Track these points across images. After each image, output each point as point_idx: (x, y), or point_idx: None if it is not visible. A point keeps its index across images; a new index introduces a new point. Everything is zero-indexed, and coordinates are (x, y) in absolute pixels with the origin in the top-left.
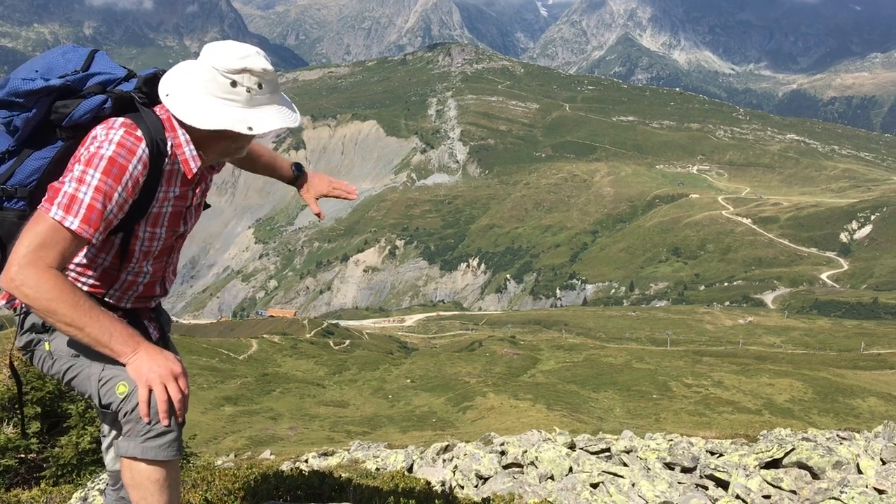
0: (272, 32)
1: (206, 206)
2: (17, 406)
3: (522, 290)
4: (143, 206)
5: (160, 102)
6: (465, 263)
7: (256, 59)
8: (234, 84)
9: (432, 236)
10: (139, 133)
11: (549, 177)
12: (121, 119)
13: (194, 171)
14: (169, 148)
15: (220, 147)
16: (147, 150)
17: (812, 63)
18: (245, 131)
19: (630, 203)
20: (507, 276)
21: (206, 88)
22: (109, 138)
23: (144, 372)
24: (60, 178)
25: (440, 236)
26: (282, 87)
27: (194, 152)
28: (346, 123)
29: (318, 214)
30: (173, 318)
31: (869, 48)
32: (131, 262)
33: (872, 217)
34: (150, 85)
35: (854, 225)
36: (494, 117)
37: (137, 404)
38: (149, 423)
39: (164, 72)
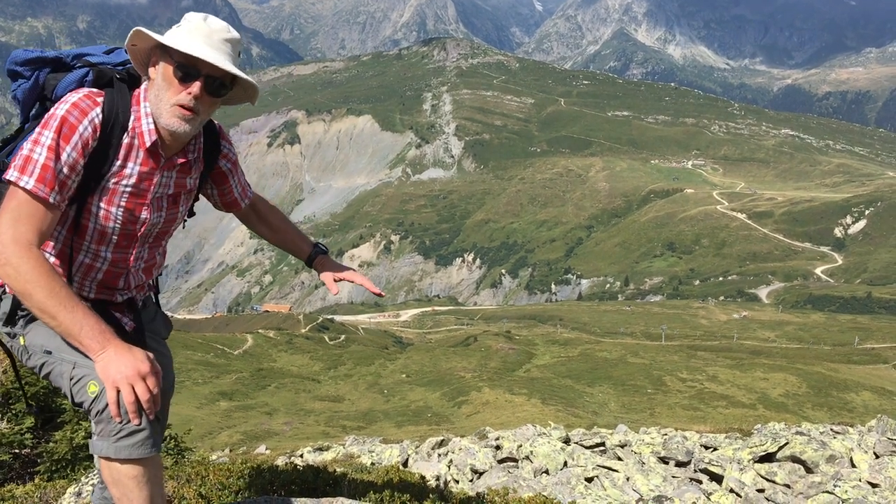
0: (266, 27)
1: (191, 213)
2: (10, 400)
3: (517, 285)
4: (95, 176)
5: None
6: (461, 258)
7: (236, 33)
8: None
9: (427, 231)
10: (99, 99)
11: (544, 172)
12: (91, 88)
13: (147, 143)
14: (131, 122)
15: (170, 94)
16: (100, 115)
17: (807, 58)
18: (194, 52)
19: (625, 198)
20: (503, 270)
21: (198, 33)
22: (67, 100)
23: (111, 373)
24: (21, 146)
25: (435, 231)
26: (276, 82)
27: (151, 126)
28: (340, 118)
29: (336, 293)
30: (167, 313)
31: (864, 43)
32: (84, 240)
33: (867, 212)
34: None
35: (848, 220)
36: (489, 112)
37: (108, 404)
38: (120, 422)
39: None
